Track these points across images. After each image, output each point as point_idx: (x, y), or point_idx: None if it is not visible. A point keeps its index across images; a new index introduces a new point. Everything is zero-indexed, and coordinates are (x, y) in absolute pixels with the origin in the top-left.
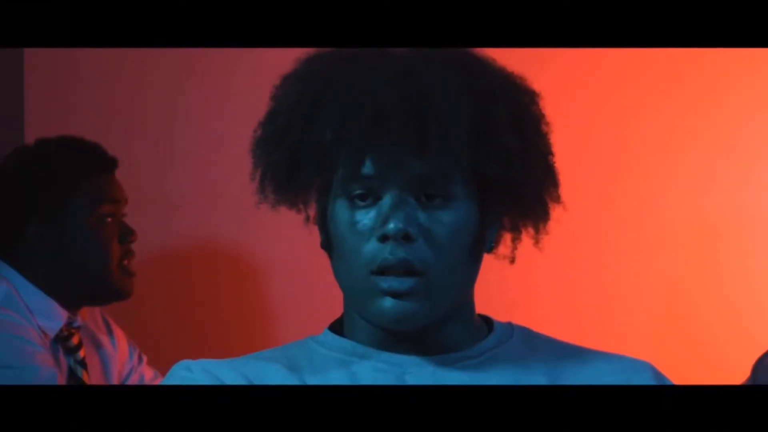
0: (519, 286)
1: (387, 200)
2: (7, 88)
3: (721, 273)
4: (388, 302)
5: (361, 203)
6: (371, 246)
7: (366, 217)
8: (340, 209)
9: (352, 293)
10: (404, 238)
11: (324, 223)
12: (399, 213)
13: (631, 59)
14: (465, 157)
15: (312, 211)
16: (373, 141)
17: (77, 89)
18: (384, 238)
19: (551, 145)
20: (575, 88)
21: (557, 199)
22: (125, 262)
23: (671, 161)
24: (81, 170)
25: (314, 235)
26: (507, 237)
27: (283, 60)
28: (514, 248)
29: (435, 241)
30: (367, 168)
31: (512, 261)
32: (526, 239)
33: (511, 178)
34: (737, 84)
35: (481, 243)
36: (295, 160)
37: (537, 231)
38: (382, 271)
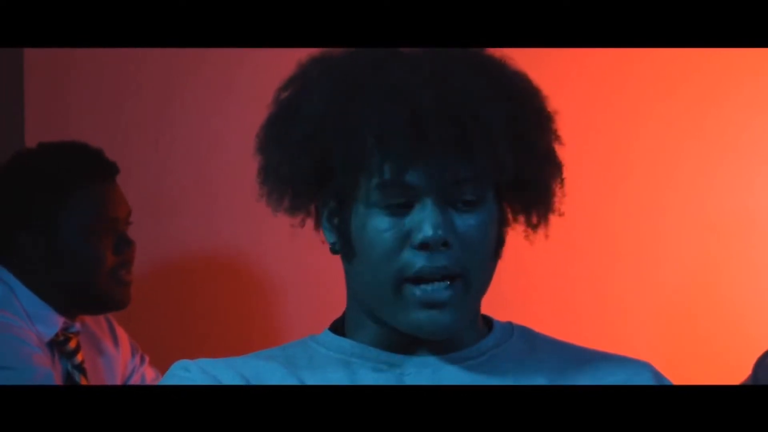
0: (519, 285)
1: (424, 206)
2: (7, 88)
3: (721, 273)
4: (423, 315)
5: (395, 209)
6: (407, 254)
7: (399, 224)
8: (371, 215)
9: (378, 301)
10: (443, 245)
11: (344, 228)
12: (437, 219)
13: (631, 59)
14: (509, 163)
15: (320, 216)
16: (415, 148)
17: (77, 89)
18: (423, 246)
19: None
20: (575, 88)
21: (561, 183)
22: (121, 272)
23: (672, 161)
24: (77, 180)
25: (316, 236)
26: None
27: (283, 60)
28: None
29: (468, 245)
30: (410, 176)
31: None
32: (520, 235)
33: (536, 178)
34: (737, 84)
35: (500, 243)
36: (326, 167)
37: (537, 224)
38: (418, 279)
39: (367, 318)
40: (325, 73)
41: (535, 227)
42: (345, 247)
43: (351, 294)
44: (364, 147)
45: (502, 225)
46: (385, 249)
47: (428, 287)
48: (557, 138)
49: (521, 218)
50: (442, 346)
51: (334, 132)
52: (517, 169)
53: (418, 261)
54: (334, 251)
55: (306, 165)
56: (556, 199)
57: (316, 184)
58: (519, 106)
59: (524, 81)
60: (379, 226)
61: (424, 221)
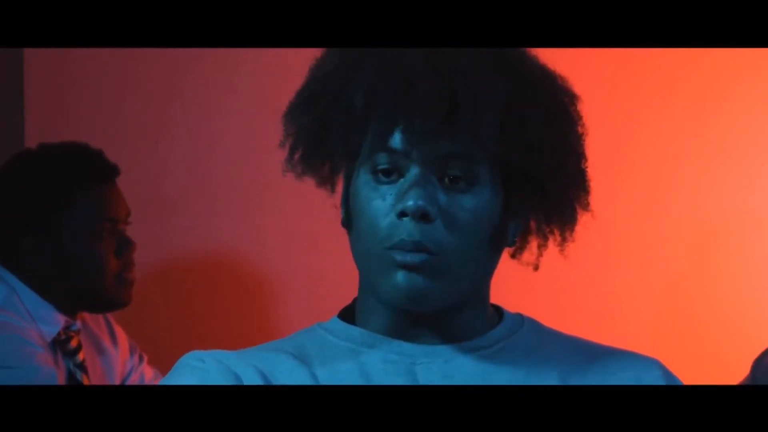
0: (520, 285)
1: (410, 177)
2: (7, 89)
3: (721, 273)
4: (400, 276)
5: (385, 179)
6: (389, 221)
7: (388, 193)
8: (363, 183)
9: (367, 269)
10: (422, 217)
11: (346, 199)
12: (420, 191)
13: (631, 59)
14: (493, 140)
15: (337, 185)
16: (403, 113)
17: (77, 89)
18: (402, 215)
19: (585, 149)
20: (575, 88)
21: (586, 207)
22: (124, 272)
23: (672, 161)
24: (80, 183)
25: (316, 236)
26: (533, 243)
27: (283, 60)
28: (540, 255)
29: (454, 225)
30: (395, 141)
31: (536, 268)
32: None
33: (537, 169)
34: (737, 84)
35: (501, 234)
36: (325, 127)
37: (563, 235)
38: (398, 247)
39: (376, 302)
40: (338, 50)
41: (538, 233)
42: (347, 218)
43: (361, 277)
44: (357, 109)
45: (507, 217)
46: (372, 216)
47: (407, 252)
48: (580, 144)
49: (544, 227)
50: (453, 334)
51: (334, 94)
52: (508, 152)
53: (398, 232)
54: (342, 225)
55: (310, 124)
56: (574, 212)
57: (320, 144)
58: (529, 92)
59: (548, 74)
60: (368, 194)
61: (406, 191)
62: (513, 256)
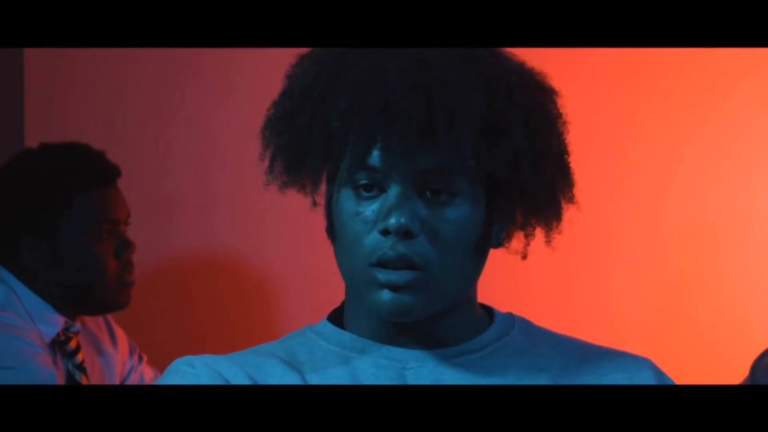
0: (517, 283)
1: (391, 194)
2: (7, 88)
3: (720, 273)
4: (385, 294)
5: (366, 194)
6: (372, 238)
7: (369, 209)
8: (345, 198)
9: (352, 282)
10: (405, 234)
11: (330, 211)
12: (402, 208)
13: (631, 59)
14: (472, 155)
15: (319, 197)
16: (381, 131)
17: (77, 89)
18: (385, 232)
19: (567, 144)
20: (575, 87)
21: (571, 200)
22: (124, 274)
23: (671, 161)
24: (80, 183)
25: (316, 236)
26: (520, 233)
27: (283, 60)
28: (527, 244)
29: (437, 238)
30: (374, 159)
31: (524, 257)
32: (539, 236)
33: (520, 178)
34: (737, 84)
35: (486, 240)
36: (304, 143)
37: (549, 230)
38: (381, 264)
39: (360, 307)
40: (321, 53)
41: (524, 229)
42: (330, 230)
43: (346, 284)
44: (334, 126)
45: (491, 222)
46: (354, 233)
47: (390, 271)
48: (561, 141)
49: (530, 222)
50: (441, 337)
51: (311, 109)
52: (490, 166)
53: (381, 247)
54: (326, 232)
55: (288, 140)
56: (558, 207)
57: (299, 159)
58: (508, 102)
59: (526, 78)
60: (350, 209)
61: (388, 208)
62: (496, 247)
